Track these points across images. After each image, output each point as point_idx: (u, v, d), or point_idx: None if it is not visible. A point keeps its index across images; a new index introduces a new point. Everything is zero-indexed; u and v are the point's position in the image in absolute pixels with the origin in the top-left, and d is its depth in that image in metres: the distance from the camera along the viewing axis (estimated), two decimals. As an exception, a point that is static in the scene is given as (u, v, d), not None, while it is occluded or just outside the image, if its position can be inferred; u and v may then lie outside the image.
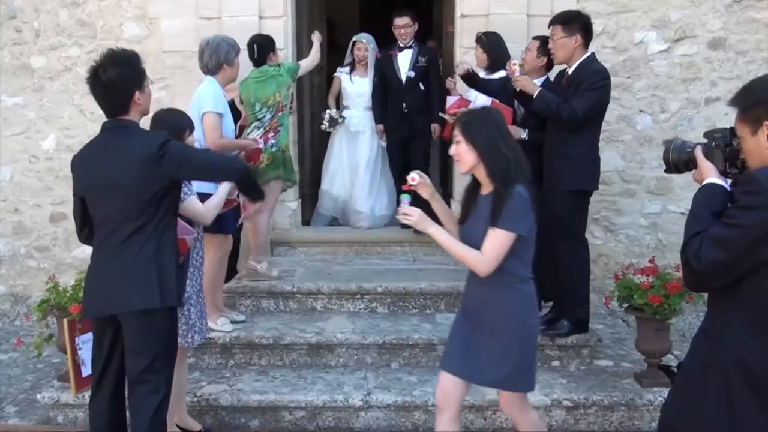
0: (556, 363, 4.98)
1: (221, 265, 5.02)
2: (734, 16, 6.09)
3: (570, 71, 4.73)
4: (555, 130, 4.72)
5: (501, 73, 5.49)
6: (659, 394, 4.48)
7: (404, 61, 6.59)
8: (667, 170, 2.67)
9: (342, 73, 6.91)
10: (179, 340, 3.84)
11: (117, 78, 3.20)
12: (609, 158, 6.00)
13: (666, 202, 6.25)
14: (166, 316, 3.32)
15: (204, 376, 4.85)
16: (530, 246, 3.19)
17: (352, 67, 6.88)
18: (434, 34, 8.14)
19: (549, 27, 4.82)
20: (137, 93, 3.26)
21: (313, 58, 6.07)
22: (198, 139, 4.48)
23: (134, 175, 3.15)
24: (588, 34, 4.74)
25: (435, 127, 6.53)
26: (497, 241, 3.05)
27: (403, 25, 6.55)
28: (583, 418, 4.53)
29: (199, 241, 3.96)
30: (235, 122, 5.15)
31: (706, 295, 4.56)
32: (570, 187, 4.67)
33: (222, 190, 3.82)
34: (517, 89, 4.77)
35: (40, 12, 6.32)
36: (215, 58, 4.91)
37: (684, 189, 6.20)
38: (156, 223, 3.22)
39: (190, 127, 3.96)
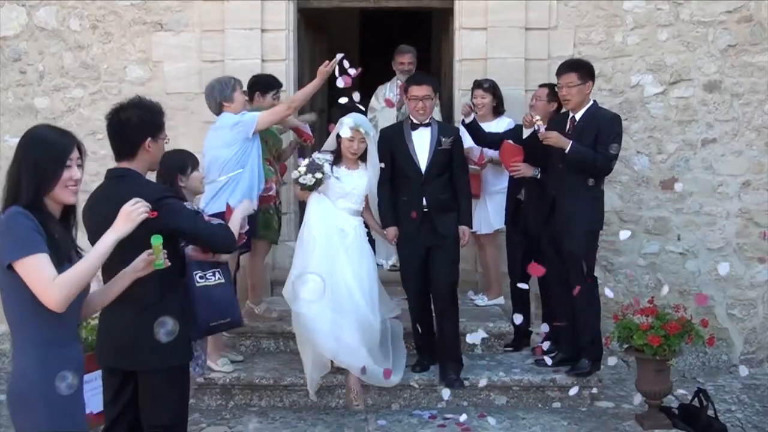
0: (557, 404, 4.98)
1: None
2: (729, 60, 6.20)
3: (578, 117, 4.87)
4: (567, 172, 4.79)
5: (504, 122, 5.61)
6: (661, 436, 4.49)
7: (422, 144, 5.04)
8: None
9: (324, 163, 4.88)
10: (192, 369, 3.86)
11: (134, 118, 3.18)
12: (607, 199, 6.01)
13: (664, 242, 6.29)
14: (176, 372, 3.27)
15: (204, 418, 4.83)
16: None
17: (338, 156, 5.00)
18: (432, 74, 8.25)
19: (559, 74, 4.95)
20: (149, 140, 3.20)
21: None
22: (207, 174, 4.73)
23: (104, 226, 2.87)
24: (594, 81, 4.94)
25: (464, 231, 5.06)
26: None
27: (423, 97, 4.97)
28: (585, 461, 4.51)
29: None
30: None
31: (706, 336, 4.65)
32: (586, 227, 4.82)
33: (237, 214, 3.83)
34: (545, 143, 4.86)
35: (45, 55, 6.41)
36: (213, 101, 5.07)
37: (682, 229, 6.25)
38: (157, 274, 3.03)
39: (193, 165, 4.04)
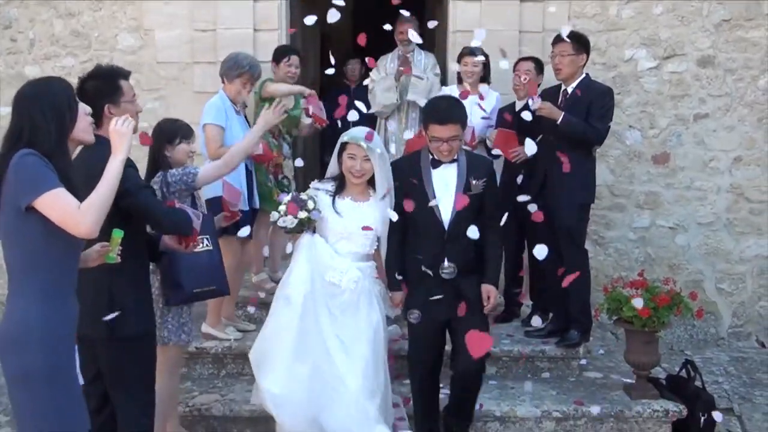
0: (546, 375, 5.02)
1: (232, 275, 5.00)
2: (723, 35, 6.19)
3: (570, 90, 4.86)
4: (559, 145, 4.78)
5: (492, 94, 5.56)
6: (648, 406, 4.54)
7: (445, 187, 3.94)
8: None
9: (321, 192, 4.00)
10: (173, 338, 3.89)
11: (90, 90, 3.22)
12: (599, 173, 6.03)
13: (654, 217, 6.32)
14: (134, 342, 3.25)
15: (196, 386, 4.85)
16: None
17: (341, 184, 4.02)
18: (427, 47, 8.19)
19: (554, 44, 4.92)
20: (109, 107, 3.21)
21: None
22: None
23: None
24: (589, 56, 4.92)
25: (489, 292, 3.97)
26: None
27: (448, 138, 3.83)
28: (573, 430, 4.56)
29: None
30: None
31: (695, 309, 4.70)
32: (579, 201, 4.83)
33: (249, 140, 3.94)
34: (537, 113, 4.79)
35: (36, 22, 6.34)
36: (221, 69, 4.99)
37: (673, 204, 6.29)
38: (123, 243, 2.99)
39: (184, 136, 4.00)
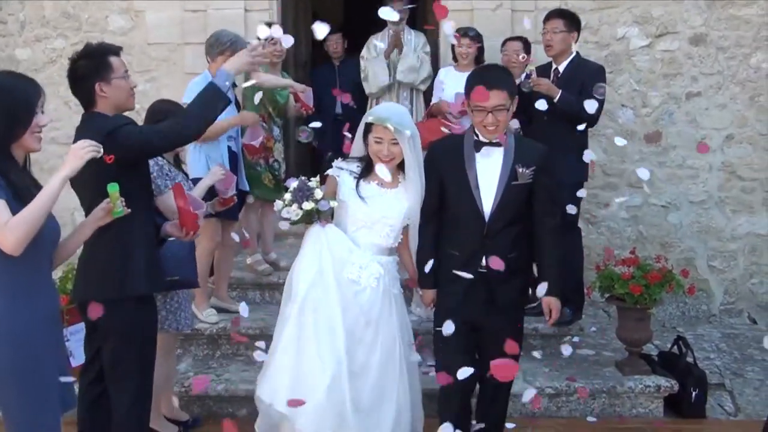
0: (538, 353, 5.05)
1: (212, 257, 5.00)
2: (715, 12, 6.18)
3: (561, 68, 4.86)
4: (554, 125, 4.77)
5: None
6: (640, 382, 4.59)
7: (488, 173, 3.47)
8: None
9: (345, 173, 3.61)
10: (169, 325, 3.90)
11: (80, 69, 3.20)
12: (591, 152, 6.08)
13: (647, 195, 6.34)
14: (132, 307, 3.23)
15: (191, 367, 4.88)
16: None
17: (368, 167, 3.58)
18: (418, 26, 8.18)
19: (547, 20, 4.93)
20: (100, 84, 3.18)
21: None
22: None
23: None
24: (579, 35, 4.92)
25: (551, 304, 3.49)
26: None
27: (494, 108, 3.36)
28: (566, 405, 4.62)
29: None
30: None
31: (686, 286, 4.72)
32: (573, 179, 4.81)
33: (204, 181, 3.86)
34: (535, 90, 4.74)
35: (26, 4, 6.31)
36: (205, 50, 4.96)
37: (665, 182, 6.30)
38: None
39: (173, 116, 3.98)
